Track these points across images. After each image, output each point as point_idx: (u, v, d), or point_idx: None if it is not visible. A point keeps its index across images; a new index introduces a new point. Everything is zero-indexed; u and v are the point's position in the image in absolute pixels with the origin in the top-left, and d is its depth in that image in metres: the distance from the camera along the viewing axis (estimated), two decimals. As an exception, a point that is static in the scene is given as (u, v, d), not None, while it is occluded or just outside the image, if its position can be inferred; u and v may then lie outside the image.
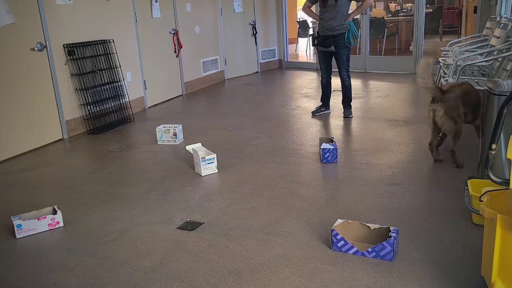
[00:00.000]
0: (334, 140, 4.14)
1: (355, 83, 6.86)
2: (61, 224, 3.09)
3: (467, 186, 2.89)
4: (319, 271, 2.43)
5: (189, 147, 4.16)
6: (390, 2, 13.28)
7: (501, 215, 1.98)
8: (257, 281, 2.38)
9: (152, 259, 2.64)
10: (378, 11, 12.00)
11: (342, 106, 5.56)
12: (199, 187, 3.65)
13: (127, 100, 5.89)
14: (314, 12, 5.76)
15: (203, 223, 3.03)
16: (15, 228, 2.95)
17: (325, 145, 3.97)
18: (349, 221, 2.68)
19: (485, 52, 5.36)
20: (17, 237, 2.96)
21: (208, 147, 4.23)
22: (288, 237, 2.79)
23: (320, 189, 3.49)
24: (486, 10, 7.27)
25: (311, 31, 11.48)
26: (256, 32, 8.85)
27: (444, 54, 6.27)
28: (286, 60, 9.64)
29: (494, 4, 6.81)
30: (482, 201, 2.21)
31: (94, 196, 3.58)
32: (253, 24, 8.78)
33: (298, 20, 12.30)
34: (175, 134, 4.75)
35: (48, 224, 3.05)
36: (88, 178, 3.97)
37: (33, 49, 4.73)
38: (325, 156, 3.97)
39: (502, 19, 5.59)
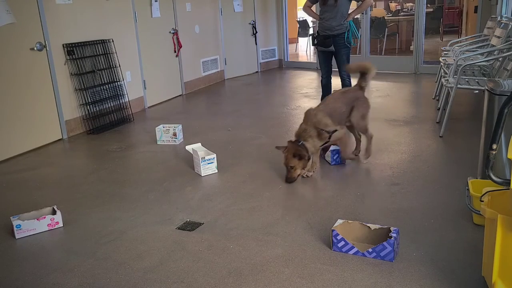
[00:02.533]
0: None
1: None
2: (61, 224, 3.08)
3: (467, 186, 2.88)
4: (319, 272, 2.43)
5: (189, 147, 4.15)
6: (391, 2, 13.28)
7: (502, 215, 1.97)
8: (257, 282, 2.37)
9: (151, 259, 2.63)
10: (379, 10, 12.01)
11: (342, 106, 5.55)
12: (199, 187, 3.65)
13: (127, 100, 5.88)
14: (314, 11, 5.75)
15: (203, 223, 3.02)
16: (15, 228, 2.94)
17: (334, 147, 3.93)
18: (350, 221, 2.68)
19: (485, 52, 5.35)
20: (16, 238, 2.95)
21: (208, 147, 4.22)
22: (288, 238, 2.79)
23: (320, 189, 3.48)
24: (487, 9, 7.27)
25: (311, 31, 11.47)
26: (256, 32, 8.85)
27: (444, 54, 6.26)
28: (286, 60, 9.64)
29: (494, 3, 6.81)
30: (482, 201, 2.20)
31: (94, 196, 3.57)
32: (253, 24, 8.78)
33: (298, 19, 12.30)
34: (174, 134, 4.74)
35: (48, 225, 3.04)
36: (88, 178, 3.96)
37: (32, 49, 4.72)
38: (334, 157, 3.94)
39: (503, 18, 5.58)
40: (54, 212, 3.11)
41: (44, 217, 3.03)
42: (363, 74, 3.96)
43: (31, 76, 4.74)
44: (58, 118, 5.08)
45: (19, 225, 2.95)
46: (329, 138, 3.65)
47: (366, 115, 3.94)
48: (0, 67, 4.42)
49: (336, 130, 3.67)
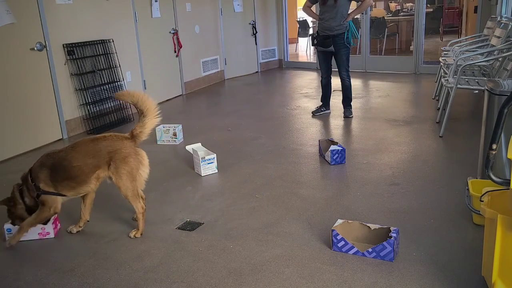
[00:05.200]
0: (334, 140, 4.14)
1: (355, 83, 6.86)
2: (52, 235, 2.95)
3: (467, 186, 2.89)
4: (319, 272, 2.43)
5: (189, 147, 4.15)
6: (391, 2, 13.28)
7: (502, 215, 1.98)
8: (257, 282, 2.37)
9: (152, 259, 2.64)
10: (379, 10, 12.00)
11: (342, 106, 5.56)
12: (199, 187, 3.65)
13: (127, 100, 5.88)
14: (314, 12, 5.75)
15: (203, 223, 3.02)
16: (5, 232, 2.89)
17: (333, 147, 3.94)
18: (350, 221, 2.68)
19: (485, 52, 5.35)
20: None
21: (208, 147, 4.22)
22: (288, 237, 2.79)
23: (320, 189, 3.48)
24: (487, 9, 7.27)
25: (311, 31, 11.47)
26: (256, 32, 8.85)
27: (444, 54, 6.26)
28: (286, 60, 9.64)
29: (494, 3, 6.81)
30: (482, 201, 2.20)
31: (94, 196, 3.56)
32: (253, 24, 8.78)
33: (298, 19, 12.31)
34: (175, 134, 4.75)
35: (39, 233, 2.92)
36: (88, 178, 3.95)
37: (32, 49, 4.73)
38: (334, 157, 3.94)
39: (503, 18, 5.59)
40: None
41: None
42: (141, 112, 2.84)
43: (31, 76, 4.74)
44: (58, 118, 5.09)
45: (10, 229, 2.90)
46: (37, 197, 2.73)
47: (133, 176, 2.77)
48: (0, 67, 4.42)
49: (54, 194, 2.73)
